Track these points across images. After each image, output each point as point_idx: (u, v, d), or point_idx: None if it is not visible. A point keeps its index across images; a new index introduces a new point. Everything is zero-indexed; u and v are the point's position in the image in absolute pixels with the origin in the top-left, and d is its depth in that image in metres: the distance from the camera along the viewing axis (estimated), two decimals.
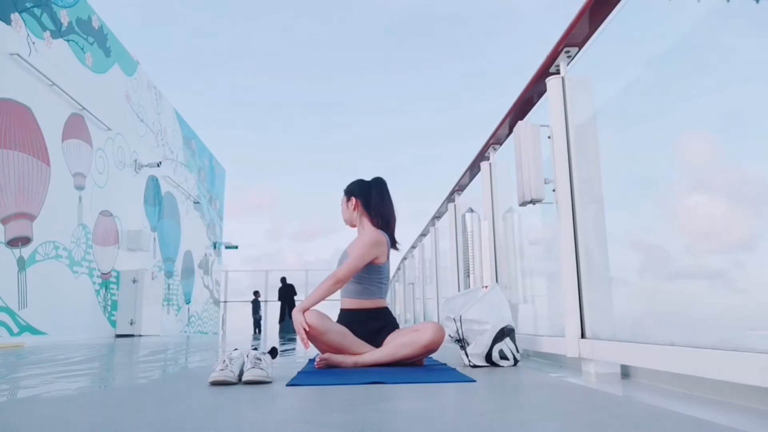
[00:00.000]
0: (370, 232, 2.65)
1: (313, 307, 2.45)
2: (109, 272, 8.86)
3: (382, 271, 2.66)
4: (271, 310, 17.43)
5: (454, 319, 2.47)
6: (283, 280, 15.66)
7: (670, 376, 1.60)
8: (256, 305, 16.83)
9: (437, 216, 5.59)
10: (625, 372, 1.90)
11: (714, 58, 1.59)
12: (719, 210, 1.59)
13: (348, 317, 2.61)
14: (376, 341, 2.51)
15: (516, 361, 2.38)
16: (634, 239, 2.06)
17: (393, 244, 2.72)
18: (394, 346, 2.41)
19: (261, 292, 17.32)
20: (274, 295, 17.58)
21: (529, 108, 2.72)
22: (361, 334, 2.51)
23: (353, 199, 2.76)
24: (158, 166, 10.75)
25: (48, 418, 1.27)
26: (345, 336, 2.45)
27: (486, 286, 2.80)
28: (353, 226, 2.78)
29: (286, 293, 15.36)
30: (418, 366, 2.42)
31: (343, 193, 2.82)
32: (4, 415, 1.33)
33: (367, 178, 2.83)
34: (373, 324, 2.57)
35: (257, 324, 16.54)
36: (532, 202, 2.30)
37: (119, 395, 1.67)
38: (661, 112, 1.85)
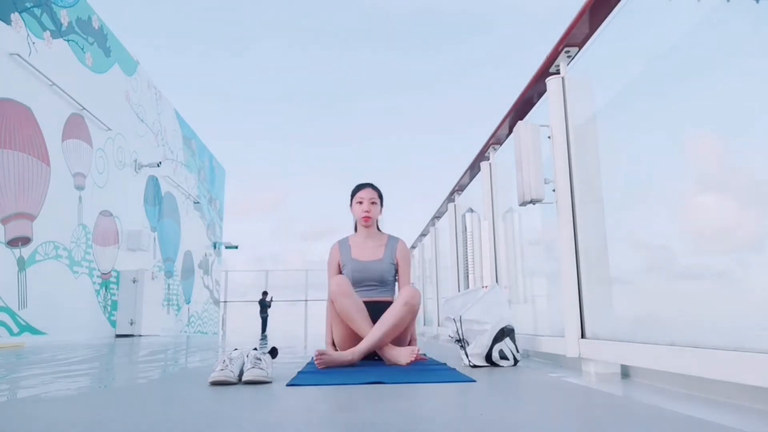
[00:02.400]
0: (407, 246, 2.92)
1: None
2: (109, 272, 8.86)
3: None
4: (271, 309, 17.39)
5: (454, 319, 2.47)
6: (264, 294, 16.52)
7: (670, 376, 1.60)
8: (263, 305, 16.84)
9: (437, 216, 5.59)
10: (625, 372, 1.90)
11: (714, 58, 1.59)
12: (720, 209, 1.59)
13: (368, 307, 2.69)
14: None
15: (516, 361, 2.38)
16: (635, 239, 2.06)
17: None
18: (379, 323, 2.47)
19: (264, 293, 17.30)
20: (276, 295, 17.60)
21: (529, 108, 2.72)
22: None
23: (381, 204, 2.92)
24: (158, 166, 10.75)
25: (48, 418, 1.27)
26: (360, 310, 2.53)
27: (486, 286, 2.80)
28: (369, 226, 2.85)
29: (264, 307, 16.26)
30: (420, 361, 2.48)
31: (377, 192, 2.90)
32: (4, 415, 1.33)
33: (367, 178, 2.97)
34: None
35: (264, 324, 16.54)
36: (532, 202, 2.30)
37: (119, 395, 1.67)
38: (661, 112, 1.85)
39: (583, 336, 2.04)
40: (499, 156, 3.42)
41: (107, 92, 8.89)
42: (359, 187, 2.88)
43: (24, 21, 6.69)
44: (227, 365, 1.80)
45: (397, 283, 2.91)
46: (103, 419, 1.23)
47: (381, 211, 2.92)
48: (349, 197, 2.93)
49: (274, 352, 2.06)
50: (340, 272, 2.85)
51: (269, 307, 16.72)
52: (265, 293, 16.92)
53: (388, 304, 2.75)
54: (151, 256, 10.72)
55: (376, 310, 2.69)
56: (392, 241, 2.89)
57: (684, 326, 1.74)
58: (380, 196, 2.90)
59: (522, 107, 2.72)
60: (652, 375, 1.73)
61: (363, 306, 2.56)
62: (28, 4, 6.78)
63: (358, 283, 2.79)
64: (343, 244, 2.89)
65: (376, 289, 2.82)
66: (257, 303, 16.81)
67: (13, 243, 6.36)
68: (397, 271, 2.88)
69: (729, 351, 1.29)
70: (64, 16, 7.63)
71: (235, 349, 1.94)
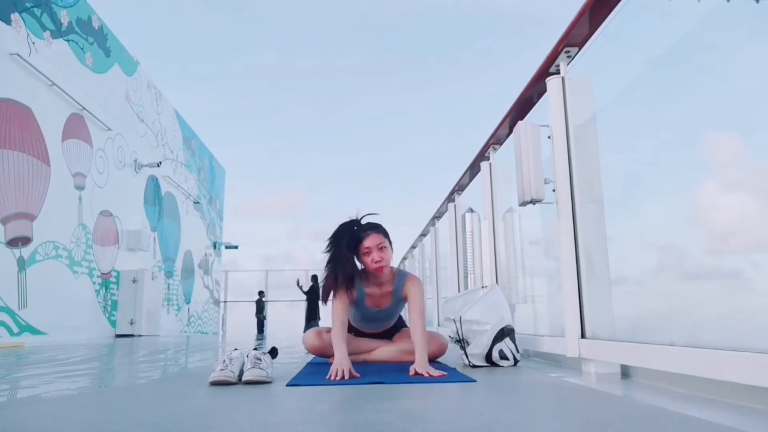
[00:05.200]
0: (419, 282, 2.55)
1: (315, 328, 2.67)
2: (109, 272, 8.86)
3: None
4: (273, 311, 17.33)
5: (453, 319, 2.47)
6: (314, 278, 14.14)
7: (670, 376, 1.60)
8: (260, 305, 16.66)
9: (437, 216, 5.59)
10: (625, 372, 1.90)
11: (714, 58, 1.59)
12: (721, 209, 1.59)
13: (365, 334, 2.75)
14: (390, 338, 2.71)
15: (516, 361, 2.38)
16: (635, 239, 2.06)
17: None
18: (401, 351, 2.56)
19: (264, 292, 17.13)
20: (276, 295, 17.43)
21: (529, 108, 2.72)
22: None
23: (390, 244, 2.50)
24: (158, 166, 10.75)
25: (48, 418, 1.27)
26: (347, 343, 2.44)
27: (485, 287, 2.80)
28: (381, 270, 2.42)
29: (316, 293, 14.37)
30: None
31: (382, 234, 2.46)
32: (4, 415, 1.33)
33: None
34: (387, 336, 2.74)
35: (261, 324, 16.39)
36: (532, 202, 2.30)
37: (119, 395, 1.67)
38: (661, 112, 1.85)
39: (583, 336, 2.04)
40: (499, 156, 3.42)
41: (107, 92, 8.89)
42: (360, 234, 2.42)
43: (24, 21, 6.69)
44: (227, 365, 1.80)
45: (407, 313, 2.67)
46: (103, 419, 1.23)
47: (392, 249, 2.50)
48: (347, 238, 2.41)
49: (274, 352, 2.06)
50: (349, 300, 2.44)
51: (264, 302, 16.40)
52: (261, 293, 16.80)
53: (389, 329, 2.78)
54: (151, 256, 10.71)
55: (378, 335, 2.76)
56: (399, 280, 2.52)
57: (684, 326, 1.74)
58: (387, 236, 2.47)
59: (522, 107, 2.72)
60: (652, 375, 1.73)
61: (341, 336, 2.29)
62: (28, 4, 6.78)
63: (364, 321, 2.64)
64: (359, 288, 2.50)
65: (382, 323, 2.68)
66: (254, 303, 16.62)
67: (13, 243, 6.36)
68: (401, 299, 2.55)
69: (729, 351, 1.29)
70: (64, 16, 7.63)
71: (235, 349, 1.94)
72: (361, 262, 2.45)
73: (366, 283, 2.52)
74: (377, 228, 2.47)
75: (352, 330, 2.73)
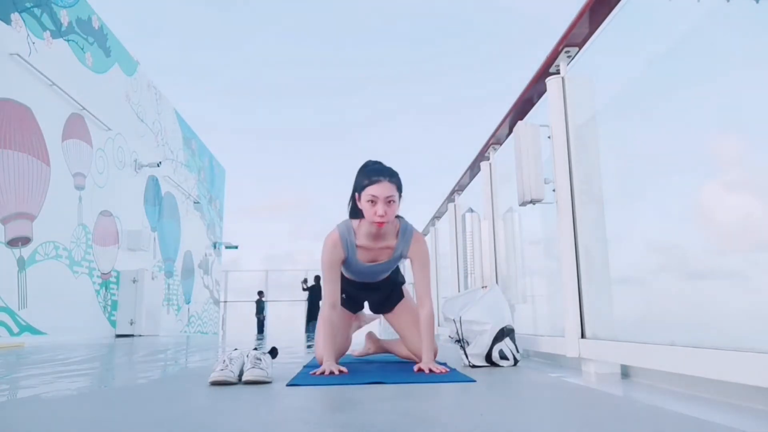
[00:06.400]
0: (426, 244, 2.33)
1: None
2: (109, 272, 8.86)
3: None
4: (273, 311, 17.31)
5: (453, 320, 2.47)
6: (317, 279, 14.70)
7: (670, 376, 1.60)
8: (260, 305, 16.65)
9: (437, 216, 5.59)
10: (625, 372, 1.90)
11: (714, 58, 1.59)
12: (720, 209, 1.59)
13: (358, 285, 2.48)
14: (385, 307, 2.62)
15: (516, 361, 2.38)
16: (636, 239, 2.06)
17: None
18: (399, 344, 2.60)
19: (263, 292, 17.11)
20: (276, 295, 17.39)
21: (529, 108, 2.72)
22: (371, 302, 2.64)
23: (399, 197, 2.18)
24: (158, 166, 10.74)
25: (48, 418, 1.27)
26: (348, 327, 2.58)
27: (485, 287, 2.80)
28: (380, 225, 2.13)
29: (318, 294, 14.66)
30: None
31: (396, 186, 2.13)
32: (4, 415, 1.33)
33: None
34: (383, 291, 2.55)
35: (261, 324, 16.38)
36: (532, 202, 2.30)
37: (119, 395, 1.67)
38: (661, 112, 1.85)
39: (583, 336, 2.04)
40: (499, 156, 3.42)
41: (107, 92, 8.89)
42: (371, 177, 2.09)
43: (24, 21, 6.69)
44: (227, 365, 1.80)
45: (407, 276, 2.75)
46: (103, 419, 1.23)
47: (399, 205, 2.18)
48: (355, 182, 2.19)
49: (274, 352, 2.06)
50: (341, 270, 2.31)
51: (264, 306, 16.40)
52: (261, 293, 16.76)
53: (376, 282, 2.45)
54: (151, 256, 10.71)
55: (369, 288, 2.50)
56: (403, 239, 2.25)
57: (685, 326, 1.74)
58: (399, 189, 2.14)
59: (522, 107, 2.72)
60: (652, 375, 1.73)
61: (341, 323, 2.39)
62: (28, 4, 6.78)
63: (357, 275, 2.39)
64: (348, 241, 2.23)
65: (376, 275, 2.41)
66: (254, 303, 16.61)
67: (13, 243, 6.36)
68: (402, 257, 2.33)
69: (729, 351, 1.29)
70: (64, 16, 7.63)
71: (235, 349, 1.94)
72: (359, 207, 2.14)
73: (358, 227, 2.21)
74: (392, 176, 2.10)
75: (344, 292, 2.38)
